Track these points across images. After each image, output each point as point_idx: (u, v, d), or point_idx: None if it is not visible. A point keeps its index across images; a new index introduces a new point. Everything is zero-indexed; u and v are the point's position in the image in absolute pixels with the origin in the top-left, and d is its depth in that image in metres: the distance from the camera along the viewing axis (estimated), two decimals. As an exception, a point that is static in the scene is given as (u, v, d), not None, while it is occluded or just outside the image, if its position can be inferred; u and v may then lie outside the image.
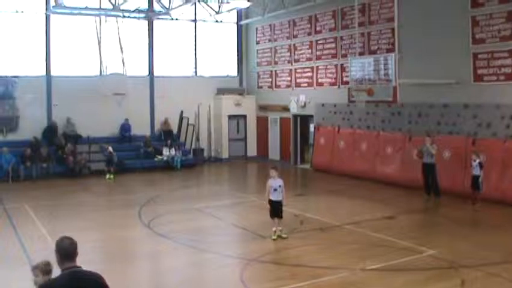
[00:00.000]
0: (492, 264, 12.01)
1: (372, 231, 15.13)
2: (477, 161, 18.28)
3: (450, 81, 20.95)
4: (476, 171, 18.27)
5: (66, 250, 5.28)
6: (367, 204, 19.42)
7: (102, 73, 29.42)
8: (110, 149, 26.94)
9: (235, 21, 34.25)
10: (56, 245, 5.35)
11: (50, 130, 28.13)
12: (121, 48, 29.55)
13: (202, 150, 32.43)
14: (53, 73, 28.83)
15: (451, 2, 21.34)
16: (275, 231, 14.55)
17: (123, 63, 29.68)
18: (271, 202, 14.65)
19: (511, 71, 19.33)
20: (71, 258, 5.28)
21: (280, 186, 14.65)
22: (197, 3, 30.70)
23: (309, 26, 29.22)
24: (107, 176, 26.30)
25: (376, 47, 24.74)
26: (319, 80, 28.60)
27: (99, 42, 29.30)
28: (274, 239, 14.40)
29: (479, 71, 20.37)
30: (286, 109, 30.82)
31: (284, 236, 14.60)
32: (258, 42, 33.63)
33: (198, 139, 32.42)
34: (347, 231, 15.44)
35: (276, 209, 14.60)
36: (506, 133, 19.31)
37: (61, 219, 17.59)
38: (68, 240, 5.34)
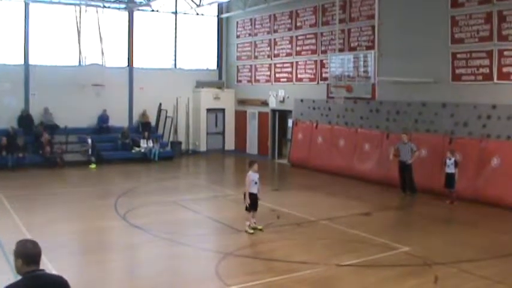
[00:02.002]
0: (465, 261, 12.14)
1: (347, 227, 15.20)
2: (452, 159, 18.49)
3: (429, 80, 21.08)
4: (451, 169, 18.48)
5: (30, 254, 4.96)
6: (343, 200, 19.50)
7: (81, 63, 29.31)
8: (89, 140, 26.95)
9: (216, 14, 34.15)
10: (17, 248, 5.00)
11: (25, 119, 27.83)
12: (101, 39, 29.40)
13: (180, 143, 32.36)
14: (31, 62, 28.52)
15: (431, 1, 21.46)
16: (249, 225, 14.59)
17: (103, 54, 29.54)
18: (251, 195, 14.67)
19: (489, 71, 19.50)
20: (35, 261, 4.98)
21: (258, 179, 14.76)
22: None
23: (289, 21, 29.23)
24: (91, 165, 26.70)
25: (356, 44, 24.81)
26: (299, 76, 28.64)
27: (79, 32, 29.14)
28: (251, 233, 14.41)
29: (458, 71, 20.53)
30: (265, 104, 30.84)
31: (259, 227, 14.69)
32: (238, 36, 33.58)
33: (176, 132, 32.34)
34: (323, 227, 15.50)
35: (255, 202, 14.67)
36: (482, 132, 19.49)
37: (36, 210, 17.49)
38: (31, 244, 5.05)
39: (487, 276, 11.21)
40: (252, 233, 14.41)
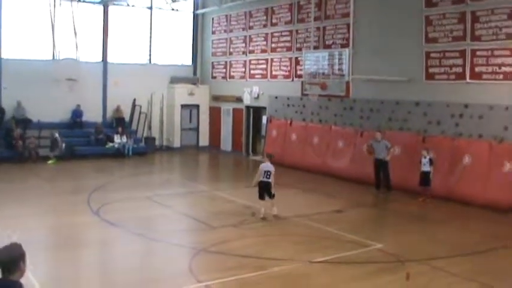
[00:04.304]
0: (437, 258, 12.27)
1: (320, 224, 15.26)
2: (427, 157, 18.66)
3: (402, 78, 21.22)
4: (426, 167, 18.65)
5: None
6: (316, 197, 19.57)
7: (55, 57, 28.97)
8: (56, 134, 26.69)
9: (192, 10, 34.03)
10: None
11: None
12: (75, 33, 29.09)
13: (154, 138, 32.23)
14: (3, 55, 28.11)
15: (406, 1, 21.62)
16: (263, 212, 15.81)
17: (77, 48, 29.26)
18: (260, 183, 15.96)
19: (462, 70, 19.68)
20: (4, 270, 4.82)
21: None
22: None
23: (265, 18, 29.24)
24: (50, 160, 26.26)
25: (331, 42, 24.89)
26: (273, 73, 28.66)
27: (53, 26, 28.78)
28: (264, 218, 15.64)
29: (431, 70, 20.70)
30: (239, 100, 30.82)
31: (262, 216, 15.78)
32: (213, 32, 33.50)
33: (150, 127, 32.20)
34: (296, 224, 15.53)
35: (261, 190, 15.95)
36: (455, 131, 19.69)
37: (8, 205, 17.24)
38: (6, 251, 4.89)
39: (458, 273, 11.33)
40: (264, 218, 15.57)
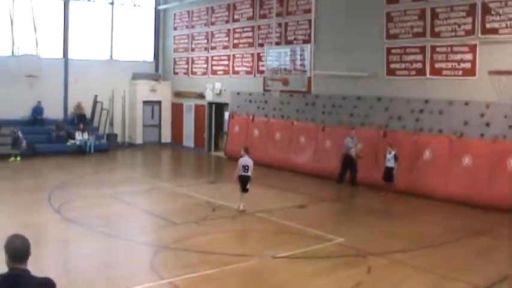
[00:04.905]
0: (397, 251, 12.41)
1: (283, 220, 15.30)
2: (392, 153, 18.83)
3: (364, 74, 21.40)
4: (391, 163, 18.83)
5: (17, 251, 4.72)
6: (279, 192, 19.63)
7: (14, 53, 28.50)
8: (19, 132, 26.30)
9: (154, 6, 33.85)
10: (6, 243, 4.73)
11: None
12: (35, 29, 28.66)
13: (115, 135, 31.98)
14: (-40, 51, 27.66)
15: (367, -3, 21.81)
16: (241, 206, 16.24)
17: (37, 44, 28.83)
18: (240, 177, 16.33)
19: (422, 66, 19.92)
20: (21, 260, 4.71)
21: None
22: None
23: (226, 14, 29.19)
24: (12, 158, 25.78)
25: (292, 38, 24.96)
26: (235, 68, 28.65)
27: (12, 21, 28.33)
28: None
29: (392, 66, 20.91)
30: (201, 96, 30.74)
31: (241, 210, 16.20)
32: (175, 28, 33.36)
33: (111, 124, 31.95)
34: (258, 219, 15.56)
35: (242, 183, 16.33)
36: (415, 126, 19.93)
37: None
38: (20, 240, 4.80)
39: (417, 265, 11.50)
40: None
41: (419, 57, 20.03)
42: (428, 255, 12.31)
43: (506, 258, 12.25)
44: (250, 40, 27.68)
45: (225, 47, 29.31)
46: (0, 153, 26.16)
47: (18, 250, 4.74)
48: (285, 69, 21.52)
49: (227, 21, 29.15)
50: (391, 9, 20.89)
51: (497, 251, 13.07)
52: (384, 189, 19.12)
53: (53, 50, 30.34)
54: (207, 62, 30.71)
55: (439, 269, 11.29)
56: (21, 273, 4.71)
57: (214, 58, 30.14)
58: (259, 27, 27.10)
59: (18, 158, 25.86)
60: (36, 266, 11.66)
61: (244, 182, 16.19)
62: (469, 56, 18.60)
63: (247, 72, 27.83)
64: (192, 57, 31.94)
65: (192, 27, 31.82)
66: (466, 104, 18.49)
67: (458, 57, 18.90)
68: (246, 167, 16.17)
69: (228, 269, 11.06)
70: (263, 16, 26.81)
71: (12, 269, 4.68)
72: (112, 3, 32.18)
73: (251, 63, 27.62)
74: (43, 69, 28.28)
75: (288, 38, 25.16)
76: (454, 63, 19.03)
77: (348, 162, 20.44)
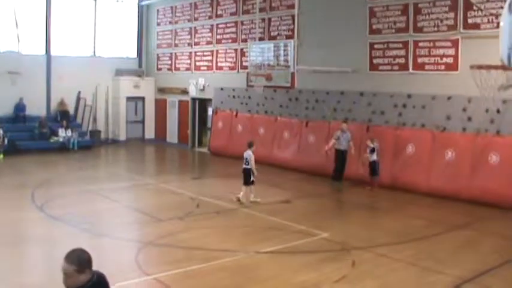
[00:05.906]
0: (381, 245, 12.50)
1: (267, 215, 15.33)
2: (371, 146, 18.91)
3: (347, 69, 21.44)
4: (372, 157, 18.90)
5: (89, 258, 5.34)
6: (263, 188, 19.53)
7: (-4, 50, 28.35)
8: (1, 130, 26.13)
9: (137, 1, 33.70)
10: (80, 259, 5.35)
11: None
12: (16, 25, 28.45)
13: (99, 131, 31.87)
14: None
15: (349, -8, 21.86)
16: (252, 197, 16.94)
17: (19, 41, 28.63)
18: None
19: (405, 61, 20.01)
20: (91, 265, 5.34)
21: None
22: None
23: (210, 9, 29.14)
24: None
25: (276, 33, 24.98)
26: (219, 64, 28.62)
27: (-7, 18, 28.16)
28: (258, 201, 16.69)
29: (375, 61, 20.98)
30: (185, 92, 30.70)
31: (242, 201, 16.83)
32: (158, 24, 33.26)
33: (95, 120, 31.82)
34: (243, 215, 15.61)
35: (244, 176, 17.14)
36: (398, 121, 20.02)
37: None
38: (81, 250, 5.44)
39: (401, 258, 11.59)
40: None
41: (402, 52, 20.11)
42: (413, 249, 12.39)
43: (490, 251, 12.39)
44: (233, 36, 27.66)
45: (209, 43, 29.27)
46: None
47: (88, 258, 5.37)
48: (268, 64, 21.52)
49: (210, 17, 29.10)
50: (373, 5, 20.96)
51: (480, 243, 13.19)
52: (369, 183, 19.20)
53: (36, 47, 30.12)
54: (190, 57, 30.64)
55: (423, 262, 11.38)
56: (100, 273, 5.48)
57: (198, 54, 30.09)
58: (242, 23, 27.09)
59: (0, 156, 25.64)
60: (18, 265, 11.67)
61: (245, 175, 16.89)
62: (451, 51, 18.70)
63: (231, 68, 27.81)
64: (175, 53, 31.86)
65: (176, 22, 31.73)
66: (449, 98, 18.58)
67: (441, 52, 18.99)
68: (245, 160, 16.98)
69: (213, 264, 11.07)
70: (246, 12, 26.79)
71: (94, 272, 5.35)
72: (95, -1, 32.03)
73: (234, 59, 27.60)
74: (25, 65, 28.15)
75: (272, 33, 25.17)
76: (436, 58, 19.13)
77: (340, 158, 20.18)
